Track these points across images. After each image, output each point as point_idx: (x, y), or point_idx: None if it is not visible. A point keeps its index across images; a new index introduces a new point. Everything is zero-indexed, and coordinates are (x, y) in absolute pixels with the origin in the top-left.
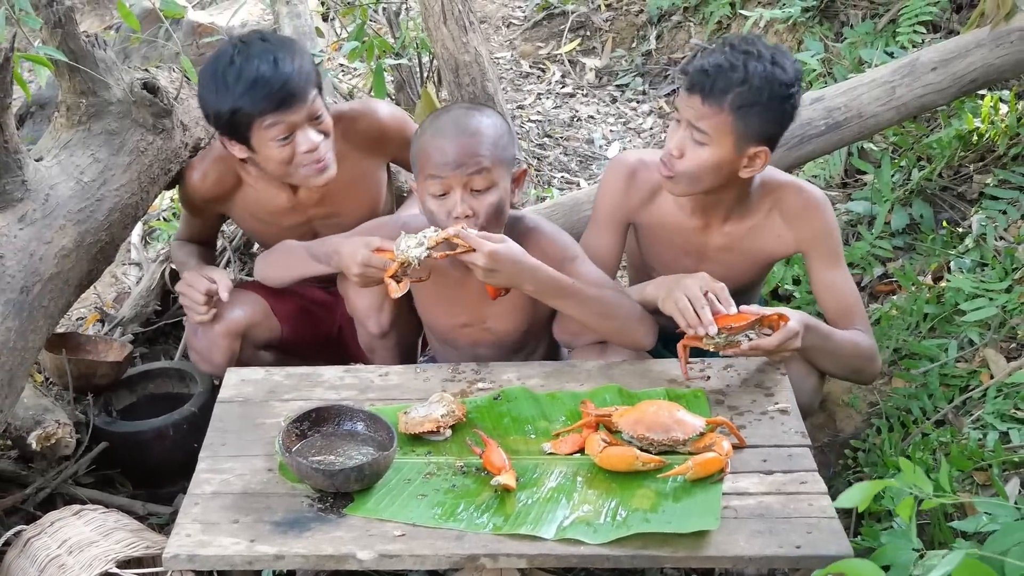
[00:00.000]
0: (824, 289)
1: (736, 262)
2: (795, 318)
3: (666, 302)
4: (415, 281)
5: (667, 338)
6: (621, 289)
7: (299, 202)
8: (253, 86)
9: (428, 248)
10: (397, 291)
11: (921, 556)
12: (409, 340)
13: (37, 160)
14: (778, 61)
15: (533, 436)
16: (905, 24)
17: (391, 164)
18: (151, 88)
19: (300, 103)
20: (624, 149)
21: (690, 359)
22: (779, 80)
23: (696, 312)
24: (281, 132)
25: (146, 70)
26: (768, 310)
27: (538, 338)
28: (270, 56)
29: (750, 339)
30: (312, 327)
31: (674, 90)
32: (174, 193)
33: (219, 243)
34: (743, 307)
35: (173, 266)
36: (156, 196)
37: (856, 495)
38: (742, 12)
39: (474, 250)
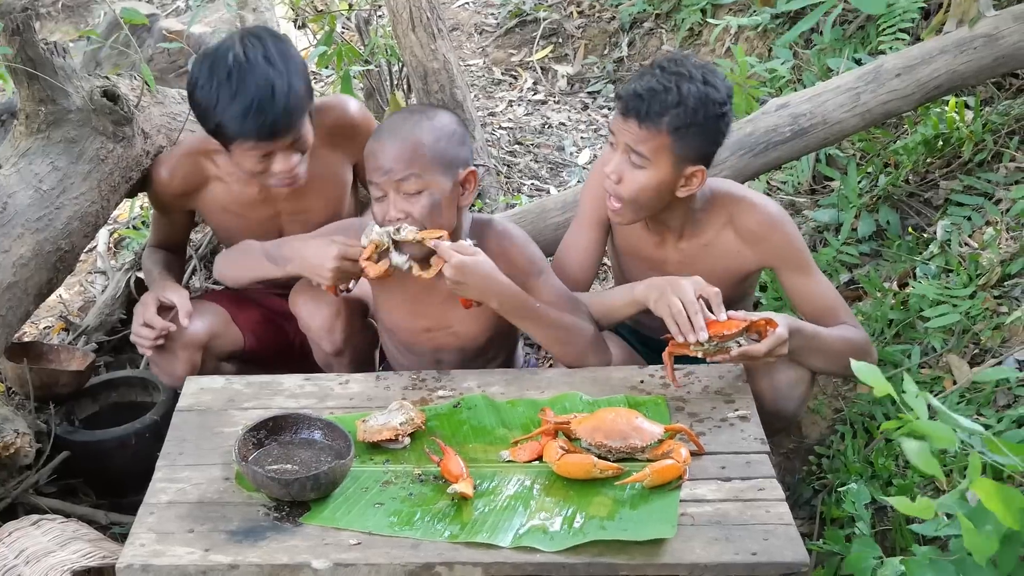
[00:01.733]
0: (799, 298)
1: (717, 283)
2: (782, 323)
3: (659, 304)
4: (384, 275)
5: (653, 344)
6: (583, 307)
7: (270, 195)
8: (244, 114)
9: (407, 239)
10: (377, 270)
11: (881, 562)
12: (365, 355)
13: None
14: (709, 81)
15: (491, 444)
16: (888, 32)
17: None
18: (111, 96)
19: (285, 135)
20: (595, 156)
21: (650, 366)
22: (712, 100)
23: (689, 317)
24: (259, 154)
25: (107, 78)
26: (756, 315)
27: (500, 344)
28: (270, 84)
29: (740, 345)
30: (274, 337)
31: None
32: (143, 201)
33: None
34: (731, 312)
35: (140, 274)
36: (117, 204)
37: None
38: (711, 20)
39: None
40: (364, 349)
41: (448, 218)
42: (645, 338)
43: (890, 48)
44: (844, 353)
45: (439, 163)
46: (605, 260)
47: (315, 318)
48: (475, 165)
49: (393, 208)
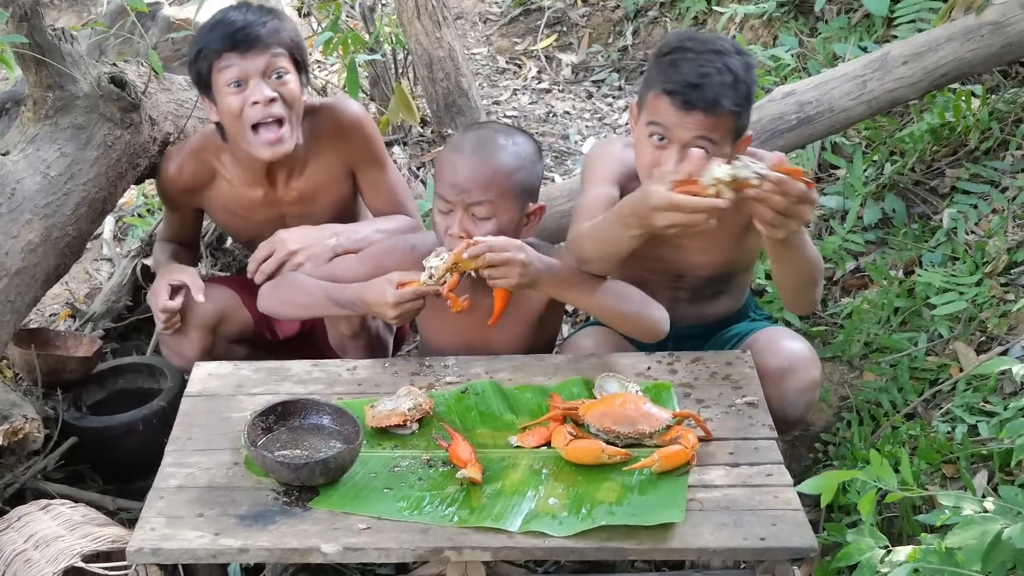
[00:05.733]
0: None
1: (710, 245)
2: None
3: (654, 215)
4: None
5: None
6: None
7: (275, 197)
8: (216, 26)
9: (444, 272)
10: (459, 304)
11: (888, 552)
12: (380, 340)
13: (3, 154)
14: (739, 48)
15: (500, 429)
16: (900, 24)
17: None
18: (119, 82)
19: (256, 50)
20: None
21: (657, 352)
22: (751, 66)
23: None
24: (233, 76)
25: (114, 64)
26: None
27: None
28: (245, 8)
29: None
30: (285, 322)
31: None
32: (146, 188)
33: None
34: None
35: (146, 261)
36: (124, 191)
37: (818, 484)
38: (717, 8)
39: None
40: (380, 334)
41: None
42: None
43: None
44: (818, 269)
45: (514, 192)
46: None
47: None
48: None
49: (457, 225)
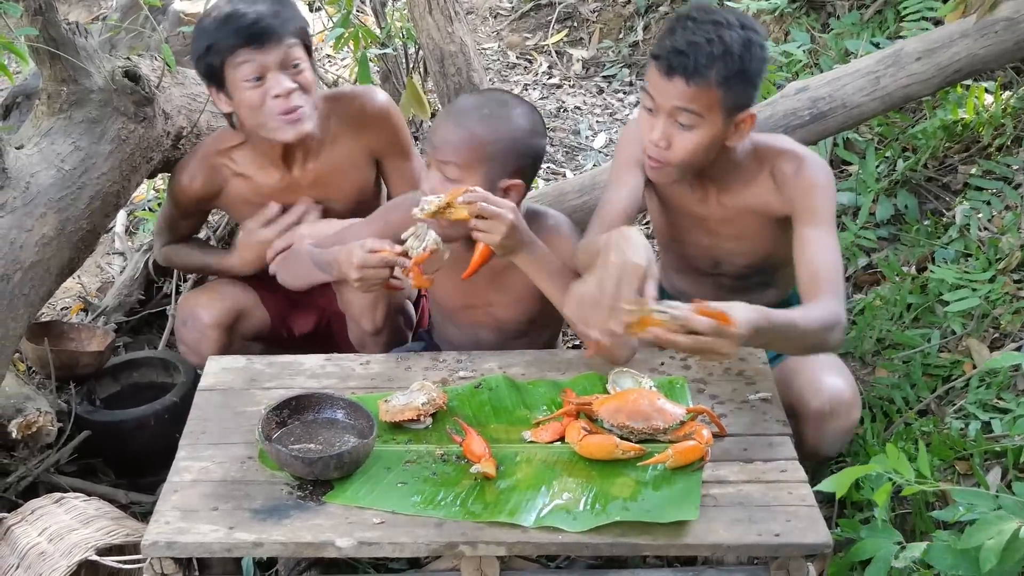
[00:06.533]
0: (800, 246)
1: (743, 233)
2: (744, 322)
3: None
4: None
5: None
6: None
7: (292, 181)
8: (226, 21)
9: (436, 210)
10: (422, 282)
11: (902, 548)
12: (399, 337)
13: (18, 148)
14: (746, 24)
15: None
16: (911, 19)
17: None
18: (132, 76)
19: (272, 44)
20: (611, 141)
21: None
22: (755, 42)
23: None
24: (251, 72)
25: (128, 58)
26: (716, 305)
27: (541, 327)
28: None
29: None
30: (301, 319)
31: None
32: (157, 183)
33: (204, 232)
34: (670, 303)
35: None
36: (137, 185)
37: (836, 481)
38: (728, 3)
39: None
40: (400, 330)
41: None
42: None
43: (911, 33)
44: (815, 337)
45: (484, 163)
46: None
47: (358, 295)
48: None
49: (427, 183)
